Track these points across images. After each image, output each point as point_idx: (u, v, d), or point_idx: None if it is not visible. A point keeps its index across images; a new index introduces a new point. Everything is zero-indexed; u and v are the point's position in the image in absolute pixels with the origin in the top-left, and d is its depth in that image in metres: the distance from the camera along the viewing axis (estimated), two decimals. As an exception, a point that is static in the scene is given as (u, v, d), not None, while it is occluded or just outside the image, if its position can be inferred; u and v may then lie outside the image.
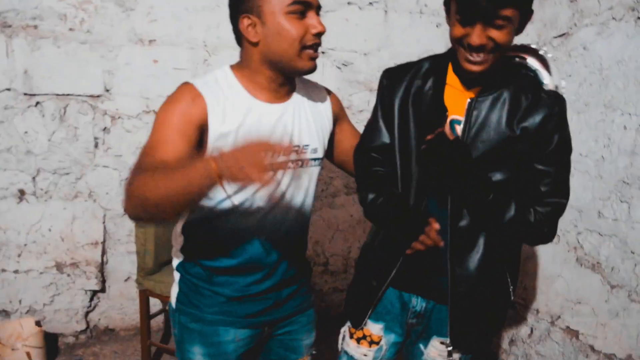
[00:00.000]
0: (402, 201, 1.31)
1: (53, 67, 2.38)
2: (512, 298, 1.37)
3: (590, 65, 2.15)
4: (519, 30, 1.18)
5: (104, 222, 2.61)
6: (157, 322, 2.79)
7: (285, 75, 1.28)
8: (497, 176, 1.25)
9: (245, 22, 1.22)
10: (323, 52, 2.56)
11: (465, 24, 1.14)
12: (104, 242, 2.63)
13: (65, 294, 2.61)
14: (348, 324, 1.51)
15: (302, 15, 1.20)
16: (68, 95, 2.42)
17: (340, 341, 1.55)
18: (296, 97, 1.36)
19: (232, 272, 1.34)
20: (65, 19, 2.36)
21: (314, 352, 1.59)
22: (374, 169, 1.38)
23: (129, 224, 2.63)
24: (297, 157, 1.33)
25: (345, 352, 1.50)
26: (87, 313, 2.69)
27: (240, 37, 1.27)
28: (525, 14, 1.16)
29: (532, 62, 1.33)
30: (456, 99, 1.27)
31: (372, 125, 1.39)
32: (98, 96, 2.46)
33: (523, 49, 1.35)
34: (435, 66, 1.34)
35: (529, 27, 2.48)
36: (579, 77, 2.25)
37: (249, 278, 1.35)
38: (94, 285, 2.64)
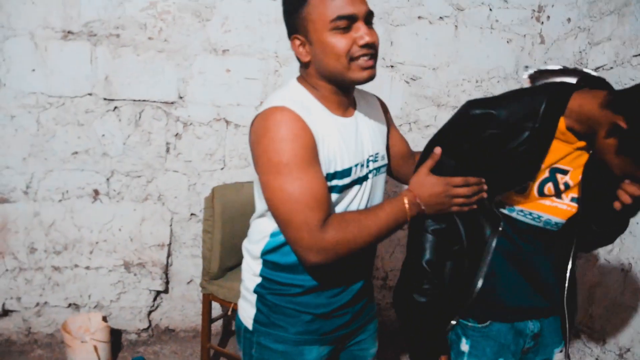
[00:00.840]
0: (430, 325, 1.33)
1: (131, 73, 2.48)
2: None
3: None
4: None
5: (170, 225, 2.69)
6: (216, 326, 2.84)
7: (345, 87, 1.27)
8: None
9: (296, 42, 1.23)
10: (392, 66, 2.56)
11: None
12: (169, 245, 2.71)
13: (131, 292, 2.70)
14: None
15: (347, 29, 1.17)
16: (144, 101, 2.52)
17: None
18: (360, 108, 1.36)
19: (316, 290, 1.33)
20: (145, 28, 2.46)
21: None
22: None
23: (195, 228, 2.70)
24: (374, 166, 1.34)
25: None
26: (149, 312, 2.77)
27: (297, 57, 1.28)
28: None
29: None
30: (561, 148, 1.21)
31: None
32: (172, 103, 2.54)
33: (576, 72, 1.28)
34: (549, 111, 1.17)
35: (606, 45, 2.40)
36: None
37: (331, 294, 1.35)
38: (158, 285, 2.72)
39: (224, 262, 2.39)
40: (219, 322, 2.85)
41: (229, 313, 2.52)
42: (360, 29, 1.17)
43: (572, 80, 1.24)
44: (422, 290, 1.27)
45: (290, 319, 1.33)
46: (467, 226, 1.28)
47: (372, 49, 1.19)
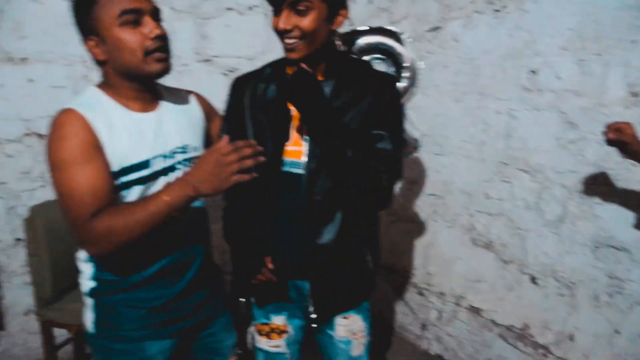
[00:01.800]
0: (245, 240, 1.44)
1: None
2: (371, 267, 1.47)
3: (461, 56, 2.27)
4: (330, 19, 1.27)
5: (-6, 255, 2.45)
6: (67, 351, 2.66)
7: (142, 82, 1.32)
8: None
9: (90, 44, 1.27)
10: (208, 60, 2.54)
11: (276, 13, 1.25)
12: (-3, 276, 2.47)
13: (-43, 336, 2.43)
14: (253, 323, 1.58)
15: (136, 23, 1.23)
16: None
17: (249, 341, 1.61)
18: (165, 103, 1.41)
19: (147, 282, 1.37)
20: None
21: (239, 351, 1.66)
22: None
23: (23, 254, 2.49)
24: (183, 157, 1.39)
25: (260, 350, 1.57)
26: (-15, 354, 2.53)
27: (93, 58, 1.31)
28: (331, 3, 1.25)
29: (389, 41, 1.44)
30: None
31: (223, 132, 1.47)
32: (-28, 122, 2.30)
33: (381, 30, 1.45)
34: (276, 68, 1.42)
35: (404, 23, 2.58)
36: (454, 68, 2.36)
37: (163, 286, 1.39)
38: (-11, 323, 2.48)
39: (58, 284, 2.24)
40: (69, 348, 2.67)
41: (73, 336, 2.37)
42: (148, 23, 1.24)
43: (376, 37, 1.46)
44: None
45: (124, 317, 1.37)
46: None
47: (164, 41, 1.27)
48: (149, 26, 1.24)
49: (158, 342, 1.40)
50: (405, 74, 1.51)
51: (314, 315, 1.45)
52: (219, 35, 2.54)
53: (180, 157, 1.38)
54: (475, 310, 2.54)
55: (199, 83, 2.49)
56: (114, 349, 1.38)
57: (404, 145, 1.42)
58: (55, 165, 1.21)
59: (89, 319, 1.42)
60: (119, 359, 1.39)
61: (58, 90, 2.36)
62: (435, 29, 2.40)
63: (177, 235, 1.39)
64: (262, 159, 1.21)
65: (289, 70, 1.30)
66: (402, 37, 1.44)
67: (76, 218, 1.20)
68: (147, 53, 1.24)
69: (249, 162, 1.19)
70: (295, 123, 1.36)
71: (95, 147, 1.22)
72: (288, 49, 1.26)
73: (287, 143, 1.36)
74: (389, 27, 1.48)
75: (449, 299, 2.69)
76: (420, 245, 2.83)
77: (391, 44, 1.41)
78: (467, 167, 2.42)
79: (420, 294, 2.85)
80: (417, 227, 2.82)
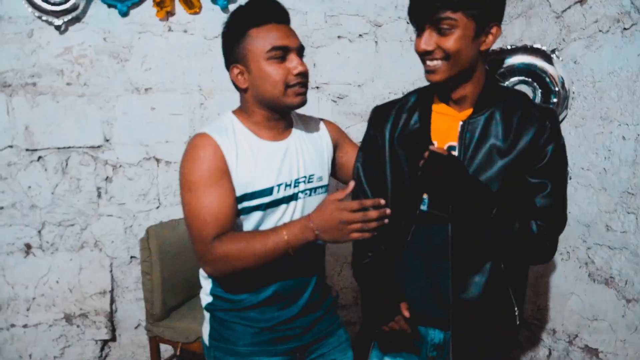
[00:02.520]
0: (378, 283, 1.34)
1: (53, 121, 2.43)
2: (518, 322, 1.32)
3: (582, 79, 2.15)
4: (477, 37, 1.16)
5: (111, 271, 2.61)
6: (170, 367, 2.76)
7: (278, 112, 1.39)
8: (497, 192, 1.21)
9: (234, 71, 1.37)
10: (317, 87, 2.59)
11: (419, 34, 1.18)
12: (112, 291, 2.63)
13: (75, 345, 2.59)
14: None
15: (282, 59, 1.32)
16: (69, 148, 2.46)
17: None
18: (296, 132, 1.47)
19: (261, 305, 1.42)
20: (62, 74, 2.41)
21: None
22: None
23: (136, 271, 2.63)
24: (306, 187, 1.44)
25: None
26: (99, 363, 2.67)
27: (235, 85, 1.40)
28: (480, 20, 1.14)
29: (538, 61, 1.32)
30: (449, 126, 1.26)
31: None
32: (98, 147, 2.49)
33: (524, 49, 1.35)
34: (420, 98, 1.34)
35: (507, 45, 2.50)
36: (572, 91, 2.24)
37: (276, 308, 1.43)
38: (104, 334, 2.62)
39: (167, 303, 2.33)
40: (173, 364, 2.77)
41: (178, 353, 2.45)
42: (293, 60, 1.33)
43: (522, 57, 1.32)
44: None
45: (236, 333, 1.43)
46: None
47: (304, 78, 1.35)
48: (293, 62, 1.32)
49: (267, 358, 1.44)
50: (554, 99, 1.41)
51: None
52: (329, 63, 2.59)
53: (303, 186, 1.42)
54: (591, 351, 2.34)
55: (309, 109, 2.52)
56: None
57: (564, 186, 1.26)
58: (185, 186, 1.31)
59: (205, 331, 1.50)
60: None
61: (176, 117, 2.51)
62: (553, 51, 2.31)
63: (293, 264, 1.40)
64: (387, 220, 1.18)
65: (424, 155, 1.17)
66: (552, 56, 1.33)
67: (198, 237, 1.28)
68: (288, 87, 1.32)
69: (372, 225, 1.18)
70: None
71: (223, 173, 1.30)
72: (428, 70, 1.19)
73: None
74: (536, 46, 1.36)
75: (561, 337, 2.51)
76: (530, 277, 2.68)
77: (540, 64, 1.30)
78: (586, 197, 2.27)
79: (529, 329, 2.69)
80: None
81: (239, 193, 1.33)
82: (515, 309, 1.32)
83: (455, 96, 1.25)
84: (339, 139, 1.59)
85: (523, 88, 1.43)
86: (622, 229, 2.14)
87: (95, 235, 2.55)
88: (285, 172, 1.39)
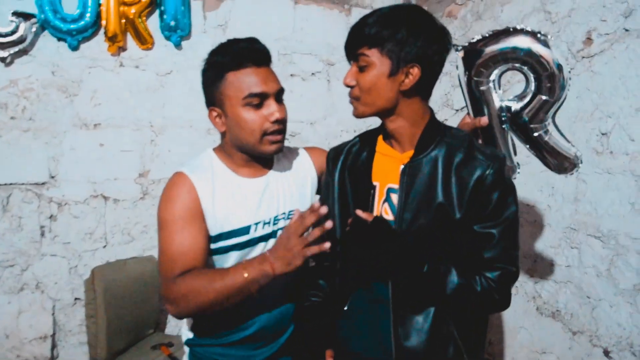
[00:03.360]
0: (311, 327, 1.35)
1: (-5, 157, 2.32)
2: None
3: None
4: (393, 76, 1.14)
5: (53, 314, 2.47)
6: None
7: (256, 156, 1.38)
8: (435, 244, 1.18)
9: (213, 113, 1.35)
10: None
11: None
12: (53, 335, 2.48)
13: (12, 396, 2.42)
14: None
15: (259, 105, 1.29)
16: (11, 184, 2.35)
17: None
18: (276, 168, 1.45)
19: (243, 342, 1.41)
20: (6, 108, 2.33)
21: None
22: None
23: (81, 314, 2.50)
24: (285, 224, 1.38)
25: None
26: (37, 415, 2.50)
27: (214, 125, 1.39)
28: (396, 58, 1.13)
29: (529, 42, 1.26)
30: (391, 167, 1.25)
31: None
32: (43, 183, 2.40)
33: (508, 32, 1.30)
34: (367, 138, 1.35)
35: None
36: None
37: (253, 347, 1.43)
38: (43, 383, 2.47)
39: (113, 347, 2.24)
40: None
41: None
42: (271, 105, 1.30)
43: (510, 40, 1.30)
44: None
45: None
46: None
47: (282, 125, 1.33)
48: (270, 109, 1.30)
49: None
50: (548, 84, 1.27)
51: None
52: (281, 101, 2.61)
53: (282, 223, 1.41)
54: (542, 385, 2.39)
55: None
56: None
57: (513, 234, 1.21)
58: (159, 224, 1.30)
59: None
60: None
61: (126, 154, 2.46)
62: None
63: (271, 299, 1.40)
64: (329, 224, 1.16)
65: (349, 220, 1.20)
66: (545, 39, 1.25)
67: (164, 275, 1.27)
68: (265, 134, 1.30)
69: (317, 232, 1.18)
70: (380, 196, 1.25)
71: (195, 213, 1.29)
72: (352, 103, 1.22)
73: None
74: (521, 27, 1.28)
75: (512, 372, 2.55)
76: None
77: (533, 47, 1.21)
78: (532, 233, 2.35)
79: (481, 365, 2.72)
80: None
81: (214, 232, 1.31)
82: (465, 356, 1.22)
83: (393, 136, 1.25)
84: (325, 165, 1.55)
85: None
86: (566, 264, 2.22)
87: (37, 276, 2.42)
88: (264, 210, 1.37)
